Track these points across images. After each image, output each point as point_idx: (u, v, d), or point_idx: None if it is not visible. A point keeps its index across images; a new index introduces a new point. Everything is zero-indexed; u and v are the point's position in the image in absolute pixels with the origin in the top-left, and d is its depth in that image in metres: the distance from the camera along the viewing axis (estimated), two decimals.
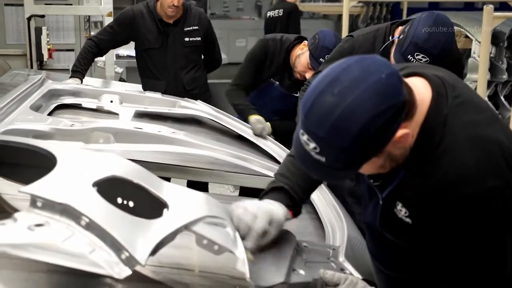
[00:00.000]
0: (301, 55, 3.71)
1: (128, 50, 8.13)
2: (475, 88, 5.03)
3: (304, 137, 1.38)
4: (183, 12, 4.16)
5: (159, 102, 3.54)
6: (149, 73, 4.22)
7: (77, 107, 3.33)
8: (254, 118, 3.57)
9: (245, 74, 3.90)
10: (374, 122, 1.31)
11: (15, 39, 5.97)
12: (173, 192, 1.61)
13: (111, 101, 3.37)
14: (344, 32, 7.71)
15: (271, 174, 2.70)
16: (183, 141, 2.73)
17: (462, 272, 1.44)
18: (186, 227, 1.46)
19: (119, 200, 1.60)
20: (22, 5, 5.69)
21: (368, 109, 1.31)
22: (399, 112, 1.35)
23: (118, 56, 7.82)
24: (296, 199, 1.82)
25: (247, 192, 3.21)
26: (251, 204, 1.71)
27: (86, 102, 3.36)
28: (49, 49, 5.75)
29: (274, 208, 1.74)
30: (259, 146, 3.24)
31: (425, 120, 1.43)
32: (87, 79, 5.22)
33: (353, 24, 12.34)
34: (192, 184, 3.97)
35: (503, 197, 1.38)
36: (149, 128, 2.77)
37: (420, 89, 1.46)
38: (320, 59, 3.55)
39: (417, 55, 2.62)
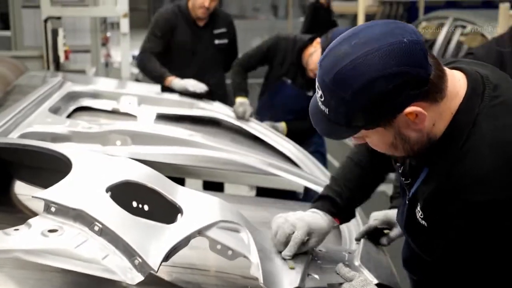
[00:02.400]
0: (314, 53, 3.71)
1: None
2: None
3: (316, 84, 1.37)
4: (212, 14, 4.19)
5: (177, 103, 3.54)
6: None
7: (95, 109, 3.34)
8: (238, 100, 3.64)
9: (249, 58, 3.96)
10: (380, 83, 1.27)
11: (32, 41, 6.01)
12: (187, 197, 1.61)
13: (129, 103, 3.38)
14: None
15: (286, 175, 2.69)
16: (199, 143, 2.73)
17: (476, 278, 1.41)
18: (200, 232, 1.46)
19: (134, 204, 1.60)
20: (39, 7, 5.71)
21: (377, 67, 1.27)
22: (413, 84, 1.28)
23: (134, 57, 7.85)
24: (341, 206, 1.79)
25: (263, 192, 3.21)
26: (292, 215, 1.71)
27: (104, 104, 3.37)
28: (65, 51, 5.77)
29: (317, 218, 1.73)
30: (275, 147, 3.24)
31: (455, 116, 1.37)
32: (105, 80, 5.27)
33: None
34: (208, 185, 3.98)
35: None
36: (166, 131, 2.77)
37: (458, 82, 1.39)
38: None
39: None
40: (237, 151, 2.80)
